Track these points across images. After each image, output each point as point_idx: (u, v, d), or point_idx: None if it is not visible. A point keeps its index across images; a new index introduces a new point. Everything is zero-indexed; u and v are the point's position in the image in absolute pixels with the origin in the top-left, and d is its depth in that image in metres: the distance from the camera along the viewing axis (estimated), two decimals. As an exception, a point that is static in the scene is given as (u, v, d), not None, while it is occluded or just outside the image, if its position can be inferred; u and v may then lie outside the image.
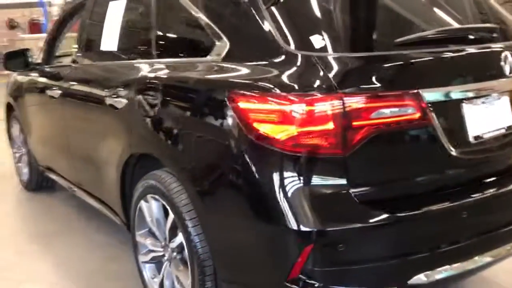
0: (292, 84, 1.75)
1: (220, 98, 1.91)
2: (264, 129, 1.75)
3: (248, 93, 1.81)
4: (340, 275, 1.75)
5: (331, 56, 1.79)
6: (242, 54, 1.97)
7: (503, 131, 2.12)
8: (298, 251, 1.70)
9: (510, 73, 2.05)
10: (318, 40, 1.83)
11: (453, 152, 1.92)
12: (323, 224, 1.70)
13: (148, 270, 2.55)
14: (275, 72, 1.81)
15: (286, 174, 1.73)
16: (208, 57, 2.09)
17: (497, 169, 2.13)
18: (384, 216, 1.74)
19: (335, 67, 1.76)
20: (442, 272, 1.85)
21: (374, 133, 1.74)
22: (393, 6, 2.13)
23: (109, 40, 2.89)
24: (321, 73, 1.73)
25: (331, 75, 1.73)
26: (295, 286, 1.73)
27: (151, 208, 2.39)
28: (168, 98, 2.24)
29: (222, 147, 1.91)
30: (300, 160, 1.72)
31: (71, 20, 3.73)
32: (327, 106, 1.69)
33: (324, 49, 1.81)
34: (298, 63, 1.78)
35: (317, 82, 1.72)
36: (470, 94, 1.98)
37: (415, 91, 1.79)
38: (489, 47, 2.11)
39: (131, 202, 2.55)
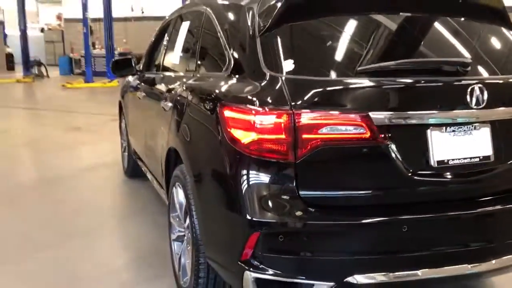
0: (259, 99, 2.11)
1: (214, 106, 2.33)
2: (236, 134, 2.14)
3: (231, 104, 2.21)
4: (281, 262, 2.06)
5: (295, 78, 2.13)
6: (238, 72, 2.38)
7: (476, 160, 2.24)
8: (247, 236, 2.05)
9: (475, 105, 2.17)
10: (288, 65, 2.17)
11: (409, 173, 2.11)
12: (268, 217, 2.03)
13: (175, 247, 3.05)
14: (252, 88, 2.19)
15: (246, 172, 2.09)
16: (221, 73, 2.53)
17: (460, 195, 2.24)
18: (323, 219, 2.03)
19: (295, 88, 2.09)
20: (377, 278, 2.05)
21: (323, 146, 2.03)
22: (360, 38, 2.38)
23: (171, 55, 3.57)
24: (283, 92, 2.08)
25: (290, 94, 2.06)
26: (246, 266, 2.09)
27: (177, 193, 2.89)
28: (184, 103, 2.75)
29: (210, 146, 2.34)
30: (258, 162, 2.08)
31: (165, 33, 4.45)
32: (280, 120, 2.02)
33: (290, 72, 2.15)
34: (269, 82, 2.14)
35: (278, 99, 2.07)
36: (433, 121, 2.15)
37: (365, 113, 2.04)
38: (456, 80, 2.23)
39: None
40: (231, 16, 2.66)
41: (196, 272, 2.56)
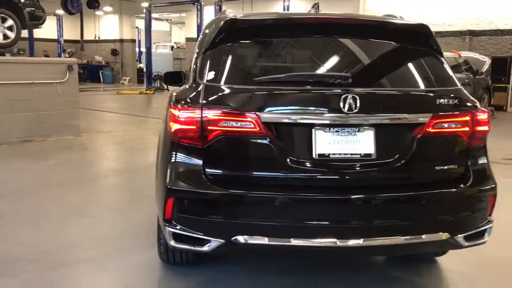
0: (184, 99, 2.83)
1: (168, 106, 3.09)
2: (170, 125, 2.87)
3: (173, 104, 2.94)
4: (187, 221, 2.74)
5: (210, 85, 2.81)
6: (189, 81, 3.11)
7: (357, 156, 2.72)
8: (166, 200, 2.77)
9: (348, 111, 2.66)
10: (209, 76, 2.86)
11: (292, 161, 2.68)
12: (180, 186, 2.74)
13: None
14: (186, 92, 2.91)
15: (172, 153, 2.82)
16: (187, 82, 3.28)
17: (338, 183, 2.73)
18: (219, 190, 2.68)
19: (208, 92, 2.77)
20: (256, 240, 2.64)
21: (223, 136, 2.69)
22: (263, 57, 3.01)
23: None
24: (199, 95, 2.78)
25: (203, 96, 2.76)
26: (166, 223, 2.80)
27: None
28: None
29: (164, 135, 3.08)
30: (179, 146, 2.79)
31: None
32: (192, 114, 2.73)
33: (209, 81, 2.84)
34: (196, 88, 2.86)
35: (194, 99, 2.77)
36: (314, 122, 2.69)
37: (254, 113, 2.66)
38: (333, 90, 2.73)
39: None
40: (200, 40, 3.39)
41: (158, 234, 3.32)
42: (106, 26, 28.88)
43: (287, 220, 2.68)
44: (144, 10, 21.73)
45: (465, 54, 14.48)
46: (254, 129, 2.67)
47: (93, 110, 13.78)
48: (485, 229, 2.96)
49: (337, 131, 2.72)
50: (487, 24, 17.16)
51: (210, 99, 2.76)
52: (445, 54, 11.58)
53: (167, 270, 3.50)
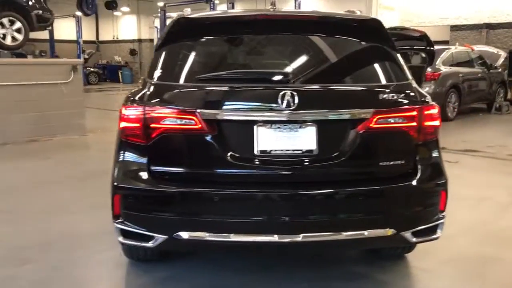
0: (131, 98, 2.87)
1: None
2: (120, 123, 2.92)
3: (124, 103, 2.99)
4: (132, 217, 2.79)
5: (156, 83, 2.85)
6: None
7: (299, 152, 2.72)
8: (113, 197, 2.82)
9: (286, 108, 2.65)
10: (156, 74, 2.90)
11: (234, 157, 2.69)
12: (125, 183, 2.79)
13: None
14: (136, 91, 2.95)
15: (120, 150, 2.88)
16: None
17: (280, 179, 2.73)
18: (161, 187, 2.72)
19: (153, 90, 2.81)
20: (198, 236, 2.67)
21: (166, 133, 2.73)
22: (207, 56, 3.04)
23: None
24: (145, 93, 2.82)
25: (147, 93, 2.80)
26: (114, 219, 2.86)
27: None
28: None
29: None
30: (125, 143, 2.84)
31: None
32: (135, 112, 2.77)
33: (155, 79, 2.87)
34: (143, 87, 2.90)
35: (139, 98, 2.81)
36: (255, 119, 2.69)
37: (194, 110, 2.68)
38: (273, 87, 2.73)
39: None
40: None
41: None
42: (124, 26, 29.29)
43: (227, 216, 2.70)
44: (159, 10, 21.94)
45: (479, 48, 14.20)
46: (195, 126, 2.70)
47: (106, 109, 14.03)
48: (437, 225, 2.93)
49: (278, 128, 2.73)
50: (504, 17, 16.77)
51: (153, 97, 2.80)
52: (458, 48, 11.42)
53: (132, 267, 3.55)
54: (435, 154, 2.95)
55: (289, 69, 2.92)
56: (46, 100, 8.99)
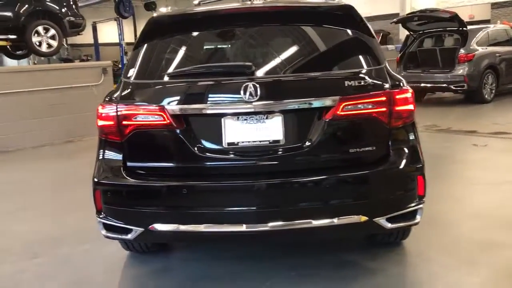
0: (107, 97, 3.00)
1: None
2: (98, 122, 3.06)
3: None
4: (111, 211, 2.91)
5: (129, 81, 2.95)
6: None
7: (266, 143, 2.75)
8: (94, 192, 2.96)
9: (250, 99, 2.69)
10: (130, 72, 3.00)
11: (202, 151, 2.77)
12: (103, 179, 2.92)
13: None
14: (114, 89, 3.07)
15: (99, 148, 3.02)
16: None
17: (249, 170, 2.78)
18: (134, 181, 2.83)
19: (125, 88, 2.93)
20: (171, 228, 2.76)
21: (138, 130, 2.83)
22: (178, 53, 3.11)
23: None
24: (119, 91, 2.93)
25: (121, 92, 2.91)
26: (97, 214, 3.00)
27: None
28: None
29: None
30: (104, 141, 2.98)
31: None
32: (109, 110, 2.89)
33: (128, 77, 2.98)
34: (118, 85, 3.02)
35: (113, 96, 2.93)
36: (222, 112, 2.75)
37: (162, 106, 2.77)
38: (236, 80, 2.77)
39: None
40: None
41: None
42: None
43: (197, 208, 2.78)
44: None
45: (520, 25, 13.55)
46: (163, 122, 2.79)
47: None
48: (415, 210, 2.88)
49: (245, 120, 2.77)
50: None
51: (125, 95, 2.92)
52: (496, 26, 10.95)
53: (129, 259, 3.70)
54: (410, 138, 2.91)
55: (252, 60, 2.95)
56: (79, 103, 9.37)
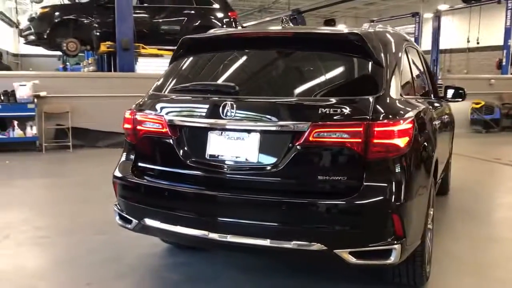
0: (134, 104, 3.47)
1: None
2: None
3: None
4: (121, 203, 3.36)
5: (150, 93, 3.42)
6: None
7: (242, 159, 2.92)
8: (113, 184, 3.46)
9: (226, 117, 2.90)
10: (156, 85, 3.46)
11: (188, 159, 3.06)
12: (117, 174, 3.39)
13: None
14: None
15: (123, 147, 3.51)
16: None
17: (220, 182, 2.98)
18: (134, 179, 3.27)
19: (146, 98, 3.40)
20: (154, 224, 3.11)
21: (145, 134, 3.27)
22: (187, 71, 3.46)
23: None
24: (140, 100, 3.40)
25: (142, 101, 3.37)
26: (115, 204, 3.48)
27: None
28: None
29: None
30: (126, 142, 3.46)
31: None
32: (130, 116, 3.36)
33: (152, 89, 3.45)
34: (145, 96, 3.48)
35: (137, 104, 3.41)
36: (208, 126, 3.01)
37: (161, 116, 3.15)
38: (217, 98, 3.02)
39: None
40: None
41: None
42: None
43: (175, 210, 3.08)
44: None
45: None
46: (162, 130, 3.17)
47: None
48: (389, 250, 2.73)
49: (227, 135, 2.98)
50: None
51: (141, 104, 3.37)
52: None
53: (164, 249, 4.14)
54: (393, 173, 2.77)
55: (238, 81, 3.15)
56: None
